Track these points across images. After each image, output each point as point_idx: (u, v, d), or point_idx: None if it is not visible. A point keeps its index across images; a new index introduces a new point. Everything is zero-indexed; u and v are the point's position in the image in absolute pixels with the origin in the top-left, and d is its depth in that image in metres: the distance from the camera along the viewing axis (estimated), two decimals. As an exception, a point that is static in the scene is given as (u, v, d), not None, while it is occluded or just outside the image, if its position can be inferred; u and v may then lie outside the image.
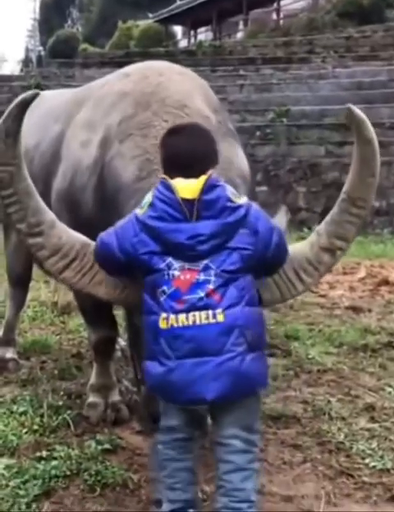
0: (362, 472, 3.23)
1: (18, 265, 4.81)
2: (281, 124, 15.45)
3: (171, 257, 2.47)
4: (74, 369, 4.70)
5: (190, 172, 2.51)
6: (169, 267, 2.47)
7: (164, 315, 2.43)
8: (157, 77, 3.39)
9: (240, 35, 32.89)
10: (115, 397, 3.92)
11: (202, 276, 2.45)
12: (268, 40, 23.89)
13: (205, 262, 2.46)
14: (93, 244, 2.80)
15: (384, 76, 17.34)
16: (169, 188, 2.48)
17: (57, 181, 3.62)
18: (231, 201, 2.50)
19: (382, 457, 3.36)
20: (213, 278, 2.45)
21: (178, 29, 40.36)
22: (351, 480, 3.17)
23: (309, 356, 5.01)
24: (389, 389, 4.41)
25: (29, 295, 5.91)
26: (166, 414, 2.53)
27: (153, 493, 2.95)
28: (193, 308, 2.42)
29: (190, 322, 2.41)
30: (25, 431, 3.52)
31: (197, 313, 2.41)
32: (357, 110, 2.73)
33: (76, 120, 3.63)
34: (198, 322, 2.41)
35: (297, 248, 2.91)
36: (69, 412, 3.77)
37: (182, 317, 2.42)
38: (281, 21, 30.34)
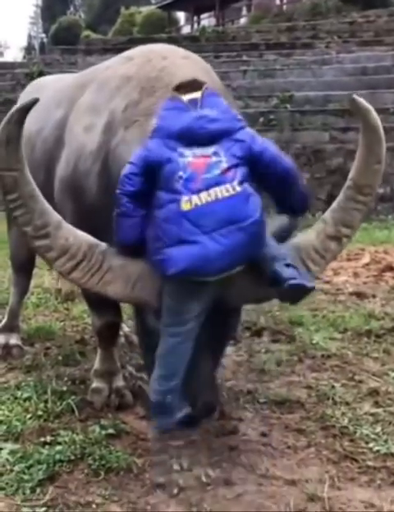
0: (366, 456, 3.24)
1: (21, 252, 4.79)
2: (285, 110, 15.38)
3: (181, 147, 2.73)
4: (78, 355, 4.71)
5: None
6: (181, 155, 2.71)
7: (186, 197, 2.63)
8: (160, 61, 3.38)
9: (243, 21, 32.72)
10: (119, 382, 3.92)
11: (214, 158, 2.70)
12: (272, 25, 23.74)
13: (214, 148, 2.72)
14: (101, 244, 2.82)
15: (388, 61, 17.23)
16: (174, 98, 2.90)
17: (60, 167, 3.61)
18: (233, 110, 2.91)
19: (386, 441, 3.36)
20: (224, 158, 2.71)
21: (181, 15, 40.12)
22: (355, 464, 3.17)
23: (313, 342, 5.01)
24: (393, 374, 4.41)
25: (33, 282, 5.92)
26: (181, 302, 2.75)
27: (157, 477, 2.96)
28: (211, 185, 2.64)
29: (213, 198, 2.62)
30: (29, 416, 3.53)
31: (217, 189, 2.64)
32: (361, 99, 2.76)
33: (79, 104, 3.60)
34: (220, 195, 2.63)
35: (303, 237, 2.92)
36: (73, 397, 3.78)
37: (204, 194, 2.62)
38: (285, 6, 30.16)
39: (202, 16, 36.47)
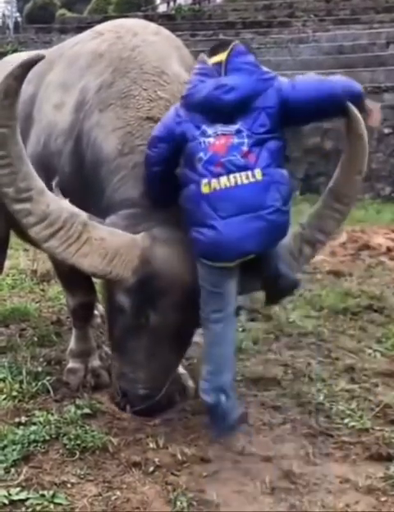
0: (341, 432, 3.25)
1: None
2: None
3: (205, 124, 2.72)
4: (53, 336, 4.67)
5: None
6: (204, 133, 2.70)
7: (205, 180, 2.66)
8: (131, 38, 3.33)
9: (219, -1, 32.41)
10: (94, 362, 3.89)
11: (236, 140, 2.67)
12: (248, 4, 23.50)
13: (237, 126, 2.68)
14: (82, 214, 2.78)
15: (365, 40, 17.17)
16: (202, 60, 2.85)
17: (30, 144, 3.54)
18: (262, 69, 2.81)
19: (361, 417, 3.38)
20: (246, 140, 2.67)
21: (157, -6, 39.67)
22: (331, 440, 3.19)
23: (290, 320, 5.02)
24: (369, 351, 4.44)
25: (9, 263, 5.87)
26: (216, 285, 2.78)
27: (133, 456, 2.95)
28: (232, 170, 2.64)
29: (232, 184, 2.64)
30: (3, 397, 3.49)
31: (237, 175, 2.64)
32: (352, 106, 2.82)
33: (48, 81, 3.54)
34: (239, 182, 2.64)
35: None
36: (48, 378, 3.74)
37: (224, 179, 2.64)
38: (262, -15, 29.91)
39: (178, -6, 36.10)
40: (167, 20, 20.61)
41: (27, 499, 2.62)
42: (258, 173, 2.66)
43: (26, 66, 2.67)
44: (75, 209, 2.81)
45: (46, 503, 2.60)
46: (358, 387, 3.79)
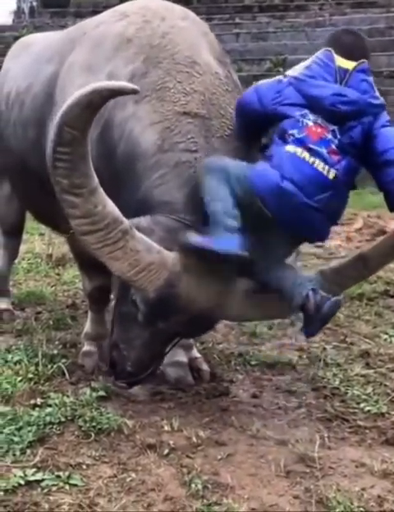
0: (357, 416, 3.24)
1: (11, 214, 4.76)
2: (279, 73, 15.11)
3: (309, 110, 2.89)
4: (69, 319, 4.70)
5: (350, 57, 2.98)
6: (304, 116, 2.89)
7: (294, 146, 2.86)
8: (159, 22, 3.30)
9: (236, -17, 32.15)
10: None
11: (329, 136, 2.87)
12: (265, -13, 23.34)
13: (335, 127, 2.88)
14: (125, 223, 2.80)
15: (382, 24, 17.01)
16: (330, 57, 2.96)
17: (53, 127, 3.52)
18: (375, 92, 2.98)
19: (376, 402, 3.37)
20: (337, 141, 2.86)
21: (173, -22, 39.42)
22: (346, 424, 3.18)
23: (305, 305, 4.99)
24: (384, 336, 4.43)
25: (24, 247, 5.90)
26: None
27: (148, 438, 2.96)
28: (317, 155, 2.84)
29: (311, 161, 2.83)
30: (19, 379, 3.49)
31: (319, 161, 2.83)
32: None
33: (72, 62, 3.49)
34: (316, 165, 2.84)
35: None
36: (64, 361, 3.75)
37: (307, 153, 2.84)
38: (278, -32, 29.60)
39: (194, -23, 35.83)
40: (184, 4, 20.33)
41: (43, 480, 2.62)
42: (332, 172, 2.85)
43: (115, 92, 2.69)
44: (120, 216, 2.83)
45: (61, 484, 2.60)
46: (373, 372, 3.77)
